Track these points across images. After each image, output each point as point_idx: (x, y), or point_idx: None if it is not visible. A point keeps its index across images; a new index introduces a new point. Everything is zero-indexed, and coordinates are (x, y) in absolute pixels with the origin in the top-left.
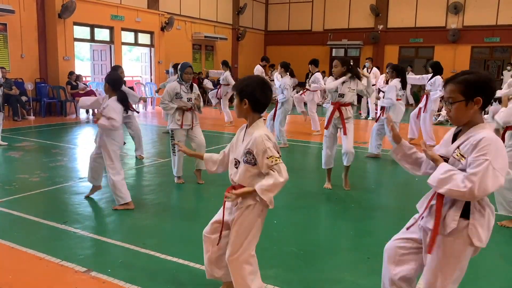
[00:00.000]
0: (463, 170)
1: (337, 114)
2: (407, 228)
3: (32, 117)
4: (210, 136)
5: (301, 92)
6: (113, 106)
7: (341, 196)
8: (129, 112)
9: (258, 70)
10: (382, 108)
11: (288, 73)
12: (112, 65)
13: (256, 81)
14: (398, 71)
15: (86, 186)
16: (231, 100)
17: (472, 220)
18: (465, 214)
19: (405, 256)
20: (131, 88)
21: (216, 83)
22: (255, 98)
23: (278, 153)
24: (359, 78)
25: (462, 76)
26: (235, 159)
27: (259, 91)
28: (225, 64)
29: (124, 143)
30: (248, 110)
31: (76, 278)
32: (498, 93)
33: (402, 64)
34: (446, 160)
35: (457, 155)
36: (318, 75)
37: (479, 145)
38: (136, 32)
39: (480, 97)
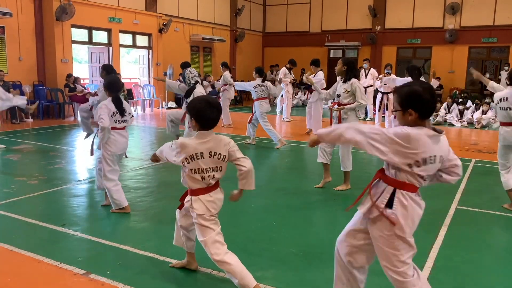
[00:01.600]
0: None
1: (336, 114)
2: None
3: (30, 120)
4: None
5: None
6: (102, 106)
7: (340, 196)
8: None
9: (282, 72)
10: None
11: (261, 77)
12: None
13: (199, 101)
14: (410, 73)
15: (85, 188)
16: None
17: (395, 210)
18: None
19: (357, 248)
20: (129, 90)
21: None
22: (198, 116)
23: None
24: (348, 79)
25: (401, 88)
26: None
27: (202, 110)
28: (224, 65)
29: (126, 156)
30: (196, 126)
31: (74, 280)
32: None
33: (400, 66)
34: None
35: None
36: (320, 74)
37: None
38: (134, 34)
39: (412, 109)
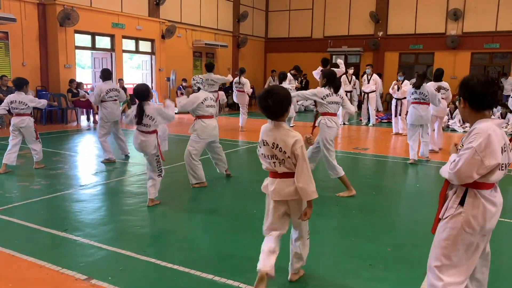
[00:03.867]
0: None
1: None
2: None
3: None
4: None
5: None
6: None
7: (342, 202)
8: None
9: (288, 77)
10: None
11: (284, 82)
12: (113, 73)
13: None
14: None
15: (87, 193)
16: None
17: (465, 208)
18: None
19: None
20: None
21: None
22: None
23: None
24: (336, 91)
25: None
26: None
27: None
28: (241, 71)
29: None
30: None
31: (76, 286)
32: None
33: (403, 71)
34: None
35: (460, 145)
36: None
37: (470, 134)
38: (137, 40)
39: (462, 97)
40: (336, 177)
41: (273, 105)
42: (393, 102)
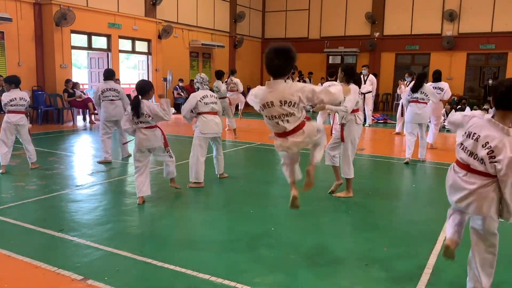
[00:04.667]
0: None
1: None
2: None
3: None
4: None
5: None
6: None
7: (339, 202)
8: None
9: None
10: None
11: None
12: None
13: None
14: (417, 77)
15: (83, 194)
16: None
17: None
18: None
19: None
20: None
21: None
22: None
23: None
24: (358, 85)
25: None
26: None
27: (265, 57)
28: (232, 72)
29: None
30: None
31: (72, 286)
32: None
33: (399, 72)
34: None
35: None
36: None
37: None
38: (133, 40)
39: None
40: (346, 177)
41: (281, 62)
42: (401, 102)
